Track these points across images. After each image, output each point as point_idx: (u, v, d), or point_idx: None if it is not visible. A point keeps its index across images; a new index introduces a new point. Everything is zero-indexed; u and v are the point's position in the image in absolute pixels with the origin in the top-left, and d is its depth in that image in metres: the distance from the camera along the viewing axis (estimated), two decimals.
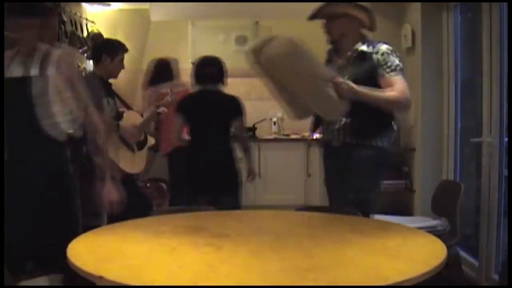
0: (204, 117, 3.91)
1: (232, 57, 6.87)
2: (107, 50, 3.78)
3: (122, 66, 3.84)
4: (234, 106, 3.99)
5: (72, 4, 5.71)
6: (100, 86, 3.64)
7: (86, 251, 1.87)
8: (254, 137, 6.40)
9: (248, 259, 1.83)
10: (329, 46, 3.46)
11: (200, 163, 3.91)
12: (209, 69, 4.02)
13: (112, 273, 1.61)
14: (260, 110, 6.64)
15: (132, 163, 3.82)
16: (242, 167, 4.31)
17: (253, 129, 6.46)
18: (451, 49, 4.39)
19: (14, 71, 2.44)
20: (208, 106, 3.93)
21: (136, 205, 3.66)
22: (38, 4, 2.47)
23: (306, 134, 6.00)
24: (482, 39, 3.69)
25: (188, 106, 3.98)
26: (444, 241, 2.00)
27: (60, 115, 2.48)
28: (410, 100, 2.94)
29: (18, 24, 2.40)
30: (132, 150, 3.86)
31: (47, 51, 2.50)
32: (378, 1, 5.38)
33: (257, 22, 6.79)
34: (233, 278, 1.63)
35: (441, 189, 3.69)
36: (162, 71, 5.16)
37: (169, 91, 4.31)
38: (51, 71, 2.45)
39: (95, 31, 6.07)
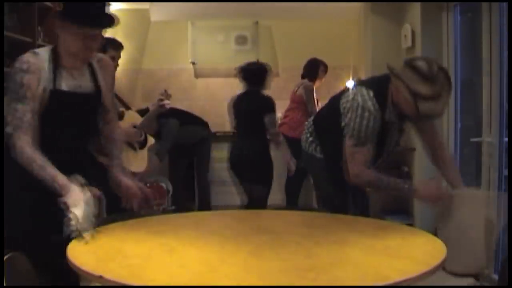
0: (242, 114, 4.59)
1: (232, 57, 6.90)
2: None
3: (114, 63, 3.84)
4: (265, 104, 4.54)
5: None
6: None
7: (86, 251, 1.86)
8: None
9: (248, 259, 1.83)
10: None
11: (239, 155, 4.56)
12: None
13: (111, 273, 1.61)
14: None
15: (134, 162, 3.83)
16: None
17: None
18: (451, 49, 4.39)
19: (71, 84, 2.24)
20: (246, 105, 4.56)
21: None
22: (107, 14, 2.23)
23: None
24: (482, 39, 3.69)
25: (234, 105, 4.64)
26: None
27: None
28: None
29: (87, 34, 2.15)
30: (134, 149, 3.87)
31: (96, 61, 2.36)
32: (378, 1, 5.38)
33: (257, 22, 6.79)
34: (233, 278, 1.63)
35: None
36: None
37: (163, 91, 4.38)
38: (102, 82, 2.35)
39: None
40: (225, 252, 1.90)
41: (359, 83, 2.71)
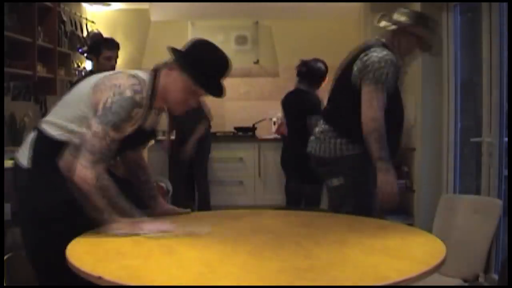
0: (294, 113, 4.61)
1: (232, 57, 6.88)
2: (92, 49, 3.85)
3: (110, 63, 3.85)
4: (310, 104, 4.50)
5: (72, 4, 5.72)
6: None
7: (85, 252, 1.86)
8: (253, 137, 6.40)
9: (247, 259, 1.83)
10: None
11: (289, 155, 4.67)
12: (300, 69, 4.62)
13: (111, 274, 1.61)
14: (260, 110, 6.65)
15: None
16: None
17: (252, 129, 6.47)
18: (451, 49, 4.39)
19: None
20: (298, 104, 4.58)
21: (135, 205, 3.66)
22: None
23: None
24: (482, 39, 3.69)
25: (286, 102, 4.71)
26: None
27: None
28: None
29: (198, 94, 2.18)
30: None
31: None
32: (378, 1, 5.38)
33: (257, 22, 6.80)
34: (233, 278, 1.62)
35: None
36: None
37: None
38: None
39: (95, 31, 6.07)
40: (225, 253, 1.90)
41: (365, 49, 2.78)
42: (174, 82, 2.13)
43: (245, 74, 6.76)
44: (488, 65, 3.62)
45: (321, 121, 2.99)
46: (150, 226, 2.05)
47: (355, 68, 2.75)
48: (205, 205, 5.55)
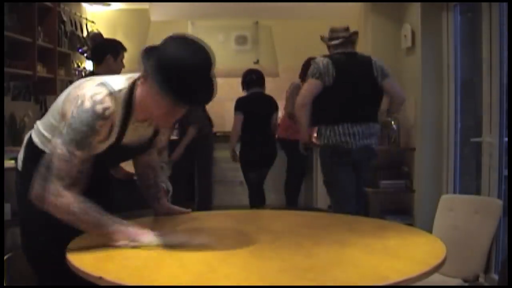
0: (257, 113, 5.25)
1: (232, 57, 6.90)
2: (110, 49, 3.81)
3: (123, 65, 3.86)
4: (273, 104, 5.42)
5: (72, 4, 5.72)
6: None
7: (86, 251, 1.86)
8: None
9: (248, 259, 1.83)
10: (323, 44, 4.20)
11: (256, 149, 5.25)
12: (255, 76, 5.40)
13: (111, 274, 1.61)
14: None
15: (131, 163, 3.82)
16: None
17: None
18: (451, 49, 4.39)
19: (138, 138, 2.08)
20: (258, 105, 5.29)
21: (135, 205, 3.66)
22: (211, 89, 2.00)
23: None
24: (482, 39, 3.69)
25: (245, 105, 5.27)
26: None
27: None
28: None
29: (180, 109, 1.90)
30: None
31: None
32: (378, 1, 5.38)
33: (257, 22, 6.80)
34: (233, 278, 1.62)
35: None
36: None
37: None
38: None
39: (95, 31, 6.07)
40: (225, 252, 1.89)
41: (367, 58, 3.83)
42: (149, 96, 1.84)
43: None
44: (488, 65, 3.62)
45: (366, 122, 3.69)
46: (148, 237, 1.91)
47: (375, 73, 3.69)
48: (206, 206, 5.54)
